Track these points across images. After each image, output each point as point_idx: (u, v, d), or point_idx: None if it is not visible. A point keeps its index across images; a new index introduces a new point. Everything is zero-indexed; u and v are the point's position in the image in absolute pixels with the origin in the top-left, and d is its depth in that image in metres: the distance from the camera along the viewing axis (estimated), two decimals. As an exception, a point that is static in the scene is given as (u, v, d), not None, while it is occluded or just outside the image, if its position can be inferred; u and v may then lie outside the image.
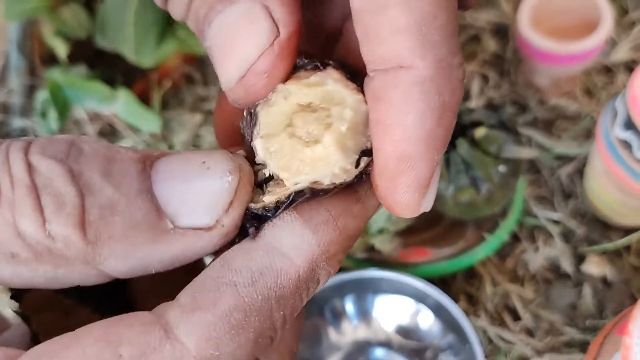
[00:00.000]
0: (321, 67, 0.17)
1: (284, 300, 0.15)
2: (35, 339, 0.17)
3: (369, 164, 0.17)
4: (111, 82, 0.61)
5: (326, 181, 0.16)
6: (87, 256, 0.15)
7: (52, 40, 0.63)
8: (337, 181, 0.16)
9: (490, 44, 0.66)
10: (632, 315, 0.29)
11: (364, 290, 0.47)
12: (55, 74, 0.60)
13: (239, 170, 0.16)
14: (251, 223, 0.16)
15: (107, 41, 0.60)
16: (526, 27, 0.56)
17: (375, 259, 0.49)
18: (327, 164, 0.16)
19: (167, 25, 0.55)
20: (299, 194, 0.16)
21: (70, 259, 0.15)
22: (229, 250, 0.16)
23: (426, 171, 0.15)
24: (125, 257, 0.15)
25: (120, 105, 0.59)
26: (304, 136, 0.16)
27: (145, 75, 0.61)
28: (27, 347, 0.17)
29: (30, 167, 0.14)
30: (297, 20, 0.16)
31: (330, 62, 0.17)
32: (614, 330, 0.34)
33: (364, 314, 0.48)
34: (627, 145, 0.45)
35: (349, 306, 0.48)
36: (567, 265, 0.52)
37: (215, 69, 0.16)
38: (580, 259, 0.53)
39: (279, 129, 0.16)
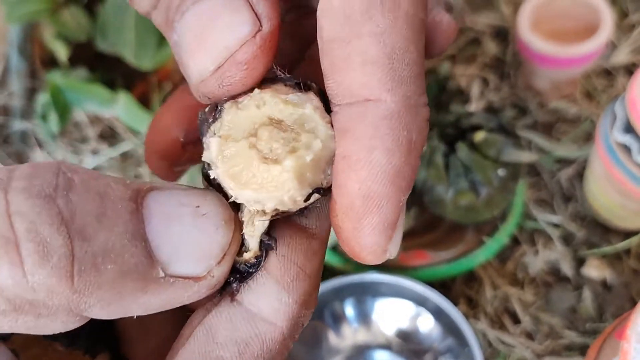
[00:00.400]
0: (303, 89, 0.16)
1: (273, 358, 0.16)
2: None
3: (316, 202, 0.16)
4: (111, 85, 0.61)
5: (270, 205, 0.15)
6: (71, 305, 0.14)
7: (52, 43, 0.63)
8: (281, 209, 0.16)
9: (491, 47, 0.66)
10: (630, 320, 0.29)
11: (364, 294, 0.47)
12: (55, 77, 0.60)
13: (233, 220, 0.15)
14: (233, 276, 0.16)
15: (107, 44, 0.60)
16: (526, 30, 0.56)
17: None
18: (279, 188, 0.15)
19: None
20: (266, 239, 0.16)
21: (53, 308, 0.14)
22: (210, 316, 0.16)
23: (393, 212, 0.15)
24: (111, 304, 0.14)
25: (121, 107, 0.59)
26: (264, 151, 0.15)
27: (145, 77, 0.61)
28: None
29: (8, 210, 0.13)
30: (278, 17, 0.15)
31: (313, 85, 0.16)
32: (613, 334, 0.34)
33: (363, 317, 0.48)
34: (626, 149, 0.45)
35: (349, 310, 0.48)
36: (567, 269, 0.52)
37: (181, 64, 0.16)
38: (580, 262, 0.53)
39: (242, 134, 0.15)
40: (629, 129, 0.44)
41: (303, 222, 0.17)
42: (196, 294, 0.15)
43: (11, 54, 0.73)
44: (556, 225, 0.54)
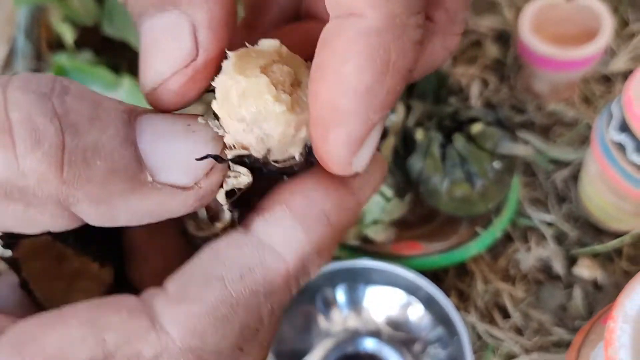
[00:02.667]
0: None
1: (273, 295, 0.15)
2: (24, 286, 0.17)
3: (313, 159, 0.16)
4: (116, 69, 0.61)
5: (266, 133, 0.15)
6: (60, 196, 0.14)
7: (59, 26, 0.64)
8: (281, 156, 0.16)
9: (492, 50, 0.67)
10: (617, 302, 0.30)
11: (356, 281, 0.48)
12: (61, 59, 0.61)
13: (221, 140, 0.16)
14: (234, 209, 0.16)
15: (113, 29, 0.61)
16: (527, 33, 0.57)
17: (368, 250, 0.49)
18: (277, 120, 0.15)
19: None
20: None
21: (42, 198, 0.14)
22: (219, 240, 0.16)
23: (359, 128, 0.14)
24: (99, 203, 0.15)
25: (124, 91, 0.60)
26: (277, 83, 0.15)
27: (150, 63, 0.62)
28: (15, 295, 0.17)
29: (6, 104, 0.14)
30: (220, 47, 0.16)
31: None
32: (599, 320, 0.35)
33: (354, 303, 0.48)
34: (621, 147, 0.45)
35: (340, 295, 0.48)
36: (558, 267, 0.52)
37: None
38: (572, 261, 0.53)
39: (251, 72, 0.16)
40: (624, 127, 0.45)
41: (346, 180, 0.17)
42: (183, 204, 0.15)
43: (18, 37, 0.73)
44: (550, 224, 0.55)
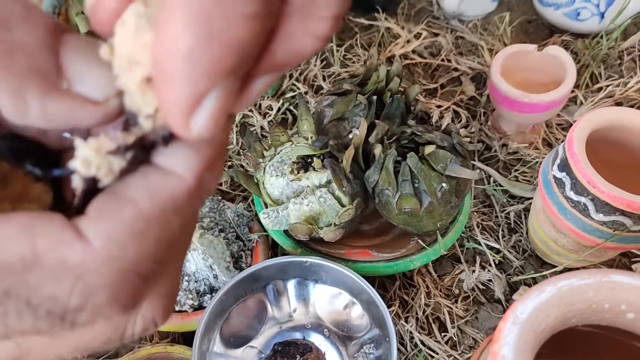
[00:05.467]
0: None
1: (179, 211, 0.17)
2: None
3: None
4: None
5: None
6: None
7: (75, 18, 0.69)
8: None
9: (469, 88, 0.72)
10: (511, 306, 0.33)
11: (306, 277, 0.51)
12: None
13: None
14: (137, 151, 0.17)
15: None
16: (497, 75, 0.62)
17: (321, 252, 0.53)
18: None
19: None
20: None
21: None
22: (127, 176, 0.17)
23: (185, 91, 0.15)
24: (15, 95, 0.15)
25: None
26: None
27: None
28: None
29: None
30: None
31: None
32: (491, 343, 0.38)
33: (303, 298, 0.52)
34: (561, 184, 0.49)
35: (291, 289, 0.52)
36: (499, 292, 0.56)
37: None
38: (513, 288, 0.57)
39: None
40: (565, 166, 0.49)
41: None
42: (93, 115, 0.17)
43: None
44: (497, 252, 0.59)
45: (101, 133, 0.17)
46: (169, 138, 0.17)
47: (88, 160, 0.17)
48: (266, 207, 0.54)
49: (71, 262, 0.16)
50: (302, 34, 0.16)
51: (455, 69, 0.74)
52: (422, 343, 0.53)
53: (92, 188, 0.17)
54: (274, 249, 0.58)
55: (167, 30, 0.14)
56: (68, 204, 0.19)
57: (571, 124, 0.68)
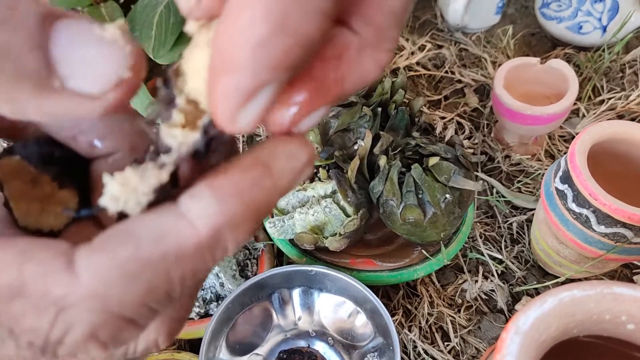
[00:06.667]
0: None
1: (183, 261, 0.16)
2: (6, 204, 0.19)
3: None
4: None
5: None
6: None
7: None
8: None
9: (472, 99, 0.73)
10: (513, 317, 0.34)
11: (311, 286, 0.52)
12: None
13: (135, 53, 0.16)
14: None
15: (134, 37, 0.68)
16: (500, 87, 0.63)
17: (326, 261, 0.54)
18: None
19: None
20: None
21: None
22: (149, 211, 0.17)
23: (247, 81, 0.14)
24: (8, 102, 0.15)
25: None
26: None
27: (161, 72, 0.69)
28: (2, 211, 0.19)
29: None
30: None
31: None
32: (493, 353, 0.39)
33: (308, 306, 0.53)
34: (563, 196, 0.50)
35: (296, 298, 0.52)
36: (502, 302, 0.57)
37: None
38: (516, 298, 0.57)
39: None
40: (567, 178, 0.50)
41: (267, 162, 0.17)
42: (91, 111, 0.16)
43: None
44: (500, 262, 0.59)
45: (128, 162, 0.17)
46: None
47: (116, 196, 0.17)
48: (272, 217, 0.55)
49: (54, 294, 0.15)
50: (372, 63, 0.17)
51: (459, 81, 0.75)
52: (425, 352, 0.54)
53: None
54: (279, 258, 0.59)
55: (240, 20, 0.14)
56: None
57: (573, 136, 0.69)
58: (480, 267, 0.59)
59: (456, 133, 0.69)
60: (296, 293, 0.52)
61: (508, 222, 0.62)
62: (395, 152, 0.53)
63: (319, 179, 0.52)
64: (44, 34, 0.15)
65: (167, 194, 0.17)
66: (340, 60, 0.16)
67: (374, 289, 0.53)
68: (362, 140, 0.54)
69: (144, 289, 0.16)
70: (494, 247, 0.61)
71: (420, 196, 0.50)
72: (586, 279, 0.57)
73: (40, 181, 0.20)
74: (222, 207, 0.16)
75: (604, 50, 0.72)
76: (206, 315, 0.51)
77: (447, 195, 0.50)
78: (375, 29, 0.17)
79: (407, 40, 0.80)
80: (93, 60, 0.15)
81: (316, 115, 0.17)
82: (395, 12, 0.17)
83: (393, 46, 0.17)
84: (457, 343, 0.54)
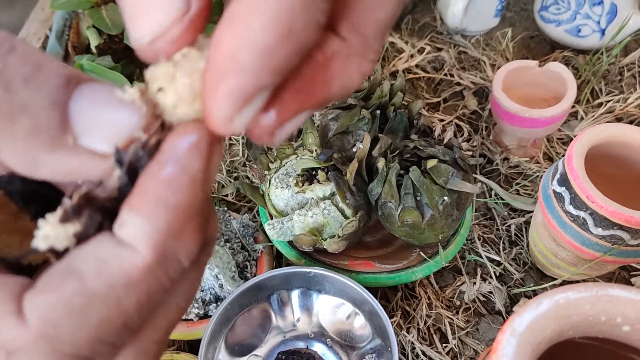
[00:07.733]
0: None
1: (134, 288, 0.16)
2: None
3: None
4: (130, 77, 0.68)
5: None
6: None
7: (87, 32, 0.71)
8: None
9: (471, 102, 0.73)
10: (509, 319, 0.34)
11: (310, 288, 0.52)
12: (82, 60, 0.68)
13: (149, 116, 0.16)
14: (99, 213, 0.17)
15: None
16: (498, 90, 0.63)
17: (325, 263, 0.54)
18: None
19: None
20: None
21: None
22: (86, 243, 0.16)
23: (250, 84, 0.15)
24: (21, 156, 0.15)
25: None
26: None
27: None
28: None
29: None
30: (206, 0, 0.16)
31: None
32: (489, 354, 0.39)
33: (306, 308, 0.53)
34: (560, 198, 0.50)
35: (295, 299, 0.53)
36: (500, 304, 0.57)
37: (124, 21, 0.16)
38: (513, 300, 0.58)
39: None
40: (564, 181, 0.50)
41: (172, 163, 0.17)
42: (100, 169, 0.16)
43: (50, 38, 0.81)
44: (498, 264, 0.59)
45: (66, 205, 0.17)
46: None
47: (47, 235, 0.16)
48: (271, 218, 0.55)
49: (2, 339, 0.15)
50: (357, 71, 0.17)
51: (458, 84, 0.76)
52: (424, 353, 0.54)
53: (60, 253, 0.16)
54: (278, 260, 0.59)
55: (250, 25, 0.14)
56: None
57: (572, 139, 0.69)
58: (478, 269, 0.59)
59: (455, 135, 0.70)
60: (295, 294, 0.53)
61: (506, 225, 0.63)
62: (393, 154, 0.53)
63: (318, 181, 0.53)
64: (65, 93, 0.16)
65: (101, 226, 0.17)
66: (327, 66, 0.17)
67: (373, 290, 0.53)
68: (361, 142, 0.55)
69: (95, 324, 0.15)
70: (492, 249, 0.61)
71: (418, 198, 0.50)
72: (584, 281, 0.58)
73: (21, 216, 0.20)
74: (153, 223, 0.16)
75: (602, 53, 0.72)
76: (205, 316, 0.51)
77: (445, 198, 0.50)
78: (362, 37, 0.17)
79: (406, 42, 0.81)
80: (108, 120, 0.16)
81: (299, 119, 0.17)
82: (381, 24, 0.17)
83: (376, 57, 0.18)
84: (455, 344, 0.55)
